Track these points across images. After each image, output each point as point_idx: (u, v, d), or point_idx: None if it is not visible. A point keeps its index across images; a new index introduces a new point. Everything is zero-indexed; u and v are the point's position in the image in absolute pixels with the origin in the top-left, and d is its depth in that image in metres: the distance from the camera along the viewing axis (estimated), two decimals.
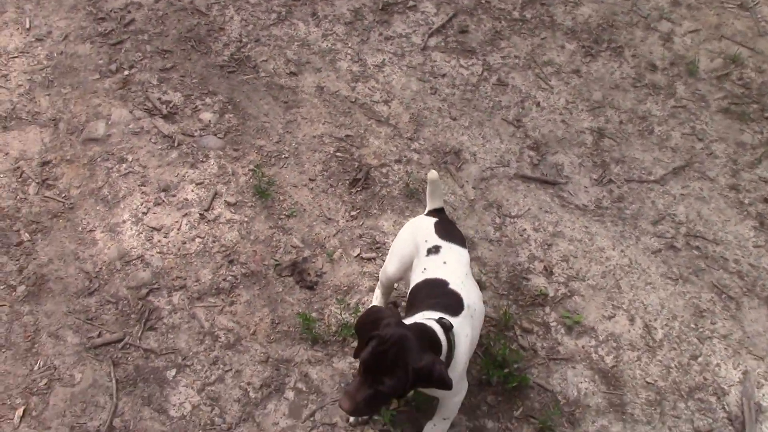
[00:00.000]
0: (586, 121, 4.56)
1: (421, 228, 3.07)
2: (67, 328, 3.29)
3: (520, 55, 4.90)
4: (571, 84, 4.77)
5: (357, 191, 3.98)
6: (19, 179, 3.87)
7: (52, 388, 3.08)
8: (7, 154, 3.97)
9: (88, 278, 3.48)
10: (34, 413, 2.99)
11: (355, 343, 3.32)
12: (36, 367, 3.14)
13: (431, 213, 3.18)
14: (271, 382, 3.19)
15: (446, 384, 2.38)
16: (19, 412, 2.98)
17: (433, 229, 3.01)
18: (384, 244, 3.76)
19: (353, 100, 4.50)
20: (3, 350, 3.18)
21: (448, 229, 3.07)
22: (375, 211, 3.91)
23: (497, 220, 3.98)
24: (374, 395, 2.37)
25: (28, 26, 4.66)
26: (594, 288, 3.74)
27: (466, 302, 2.77)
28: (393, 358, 2.32)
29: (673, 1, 5.27)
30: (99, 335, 3.27)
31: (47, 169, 3.94)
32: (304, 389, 3.18)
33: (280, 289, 3.53)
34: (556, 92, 4.72)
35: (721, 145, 4.50)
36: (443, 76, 4.72)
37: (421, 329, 2.50)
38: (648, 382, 3.41)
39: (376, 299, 3.32)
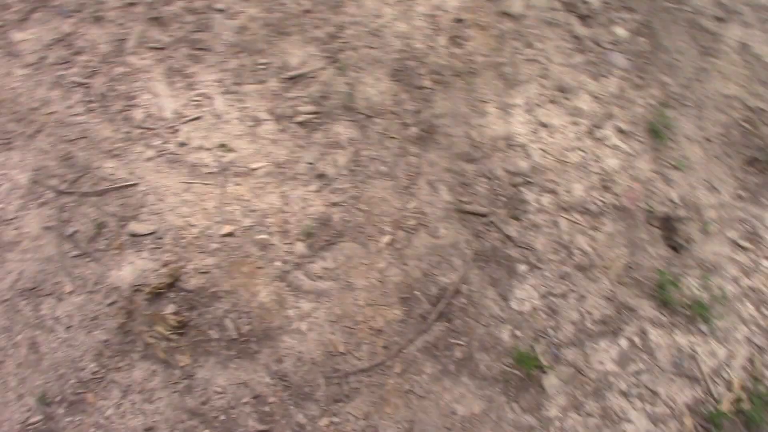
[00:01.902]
0: None
1: None
2: (444, 183, 3.43)
3: None
4: None
5: (753, 172, 3.69)
6: (434, 27, 3.99)
7: (418, 231, 3.25)
8: None
9: (473, 145, 3.58)
10: (398, 245, 3.19)
11: (703, 326, 3.19)
12: (409, 206, 3.33)
13: None
14: (610, 321, 3.15)
15: None
16: (386, 239, 3.20)
17: None
18: (763, 239, 3.49)
19: None
20: (385, 179, 3.39)
21: None
22: (765, 200, 3.61)
23: None
24: None
25: None
26: None
27: None
28: None
29: None
30: (469, 203, 3.39)
31: (460, 27, 4.02)
32: (638, 344, 3.12)
33: (646, 237, 3.42)
34: None
35: None
36: None
37: None
38: None
39: None
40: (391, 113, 3.61)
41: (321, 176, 3.33)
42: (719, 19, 4.32)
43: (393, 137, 3.53)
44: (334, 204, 3.25)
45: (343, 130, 3.50)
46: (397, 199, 3.33)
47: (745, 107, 3.94)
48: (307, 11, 3.93)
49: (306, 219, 3.18)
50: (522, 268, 3.23)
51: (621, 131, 3.75)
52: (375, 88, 3.69)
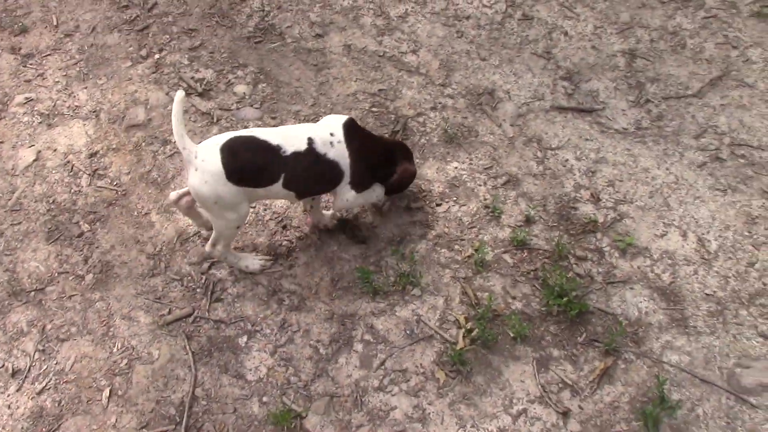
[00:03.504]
0: (617, 44, 4.52)
1: None
2: (138, 309, 3.43)
3: None
4: (596, 9, 4.71)
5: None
6: (71, 173, 4.00)
7: (133, 367, 3.23)
8: (55, 150, 4.09)
9: (151, 259, 3.61)
10: (119, 392, 3.14)
11: (415, 290, 3.42)
12: (115, 349, 3.30)
13: None
14: (339, 337, 3.30)
15: None
16: (106, 393, 3.14)
17: None
18: (430, 191, 3.82)
19: (381, 54, 4.51)
20: (82, 337, 3.34)
21: None
22: (417, 160, 3.95)
23: (539, 154, 4.00)
24: None
25: (55, 23, 4.76)
26: (643, 209, 3.75)
27: None
28: None
29: None
30: (169, 312, 3.41)
31: (96, 160, 4.06)
32: (371, 340, 3.28)
33: (336, 248, 3.62)
34: (583, 19, 4.67)
35: (756, 49, 4.42)
36: (467, 18, 4.70)
37: None
38: (707, 294, 3.43)
39: None
40: (61, 274, 3.56)
41: (16, 373, 3.22)
42: (319, 36, 4.68)
43: (72, 295, 3.48)
44: (41, 392, 3.15)
45: (18, 317, 3.41)
46: (101, 349, 3.29)
47: (369, 95, 4.29)
48: None
49: (19, 424, 3.05)
50: (243, 340, 3.30)
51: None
52: (35, 260, 3.62)
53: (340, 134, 3.26)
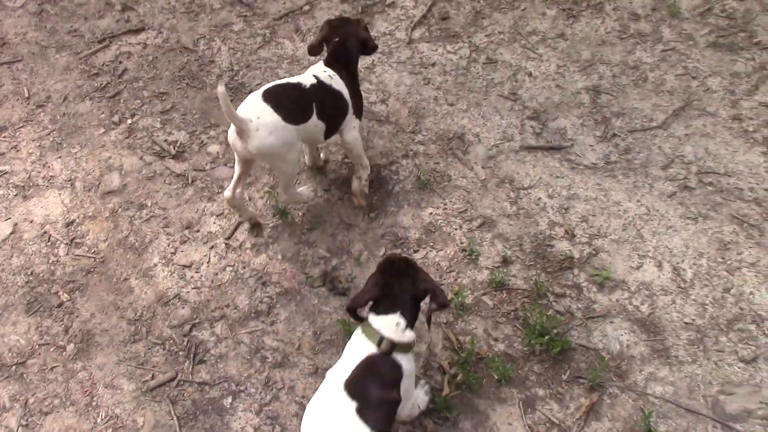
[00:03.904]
0: (580, 82, 4.62)
1: None
2: (121, 376, 3.41)
3: (504, 30, 4.97)
4: (558, 48, 4.83)
5: (372, 192, 4.07)
6: (48, 243, 4.00)
7: None
8: (32, 222, 4.10)
9: (132, 325, 3.61)
10: None
11: None
12: (99, 419, 3.27)
13: None
14: None
15: None
16: None
17: None
18: (407, 238, 3.85)
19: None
20: (65, 408, 3.31)
21: None
22: (392, 208, 3.99)
23: (512, 195, 4.05)
24: None
25: (27, 95, 4.80)
26: (617, 242, 3.80)
27: None
28: None
29: None
30: (152, 377, 3.39)
31: (72, 228, 4.07)
32: None
33: (316, 301, 3.63)
34: (546, 59, 4.78)
35: (716, 79, 4.54)
36: (433, 65, 4.79)
37: None
38: (686, 323, 3.47)
39: None
40: (42, 346, 3.54)
41: None
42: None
43: (54, 366, 3.46)
44: None
45: (0, 392, 3.37)
46: (85, 420, 3.26)
47: (340, 147, 4.35)
48: None
49: None
50: (228, 401, 3.28)
51: (254, 227, 3.97)
52: (16, 333, 3.61)
53: (331, 71, 3.72)
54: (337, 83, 3.70)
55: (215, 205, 4.11)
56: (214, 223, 4.03)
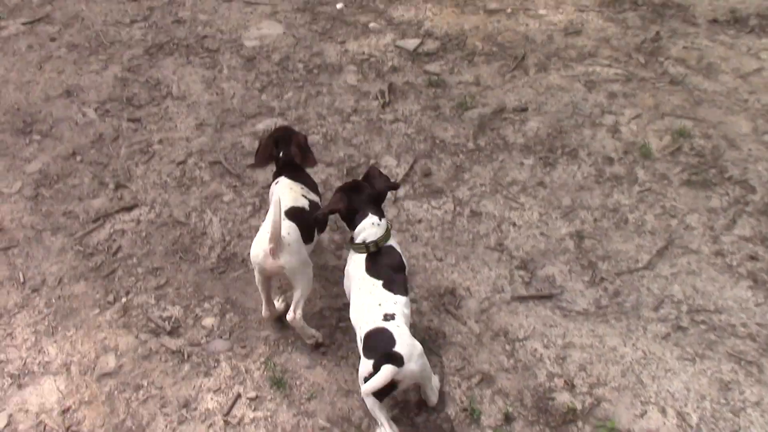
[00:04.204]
0: (563, 228, 4.75)
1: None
2: None
3: (485, 182, 5.16)
4: (539, 197, 4.99)
5: None
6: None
7: None
8: (26, 411, 4.05)
9: None
10: None
11: None
12: None
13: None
14: None
15: None
16: None
17: None
18: (407, 401, 3.82)
19: (341, 267, 4.66)
20: None
21: None
22: None
23: (507, 347, 4.06)
24: None
25: (22, 280, 4.87)
26: (618, 389, 3.79)
27: None
28: None
29: (609, 94, 5.61)
30: None
31: (68, 416, 4.03)
32: None
33: None
34: (528, 208, 4.93)
35: (693, 216, 4.68)
36: (419, 221, 4.93)
37: None
38: None
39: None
40: None
41: None
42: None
43: None
44: None
45: None
46: None
47: (335, 310, 4.39)
48: None
49: None
50: None
51: (252, 400, 3.93)
52: None
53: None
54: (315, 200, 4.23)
55: (212, 380, 4.09)
56: (212, 399, 4.00)
